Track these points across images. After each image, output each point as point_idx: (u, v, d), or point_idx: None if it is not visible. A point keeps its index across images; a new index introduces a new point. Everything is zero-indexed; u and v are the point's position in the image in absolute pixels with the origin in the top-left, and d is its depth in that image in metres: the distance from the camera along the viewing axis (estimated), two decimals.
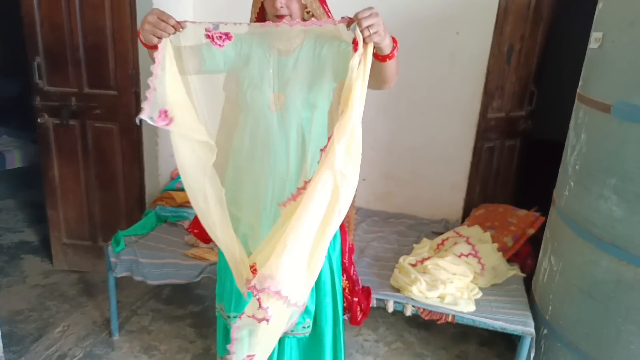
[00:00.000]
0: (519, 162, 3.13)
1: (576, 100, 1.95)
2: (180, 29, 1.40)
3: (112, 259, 2.33)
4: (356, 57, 1.28)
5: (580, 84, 1.94)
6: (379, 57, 1.37)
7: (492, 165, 2.99)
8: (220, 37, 1.50)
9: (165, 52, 1.38)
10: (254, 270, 1.46)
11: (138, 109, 2.74)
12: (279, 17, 1.55)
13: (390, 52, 1.37)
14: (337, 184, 1.32)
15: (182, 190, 2.77)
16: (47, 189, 2.92)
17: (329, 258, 1.77)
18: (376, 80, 1.45)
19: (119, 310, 2.57)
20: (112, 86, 2.71)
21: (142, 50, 2.65)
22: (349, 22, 1.29)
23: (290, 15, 1.56)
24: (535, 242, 2.46)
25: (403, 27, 2.66)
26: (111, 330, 2.47)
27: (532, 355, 1.91)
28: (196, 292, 2.86)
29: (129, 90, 2.71)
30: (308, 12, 1.60)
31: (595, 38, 1.78)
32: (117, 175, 2.86)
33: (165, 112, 1.40)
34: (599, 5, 1.80)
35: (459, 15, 2.62)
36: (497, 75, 2.75)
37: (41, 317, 2.61)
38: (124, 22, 2.61)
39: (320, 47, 1.64)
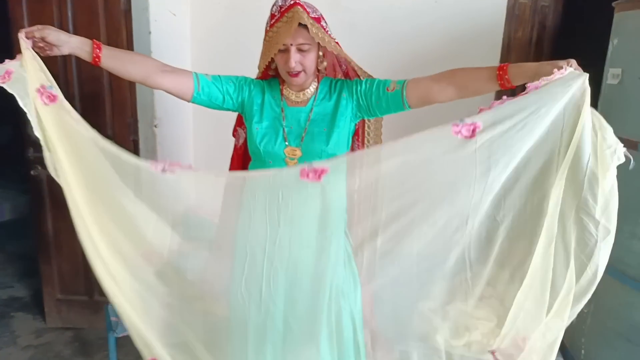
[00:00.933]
0: None
1: None
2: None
3: (113, 318, 2.19)
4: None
5: None
6: (507, 84, 1.34)
7: None
8: (50, 96, 1.41)
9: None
10: None
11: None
12: (293, 75, 1.50)
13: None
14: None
15: None
16: (40, 244, 2.78)
17: (350, 312, 1.66)
18: (468, 92, 1.44)
19: None
20: (110, 135, 2.61)
21: (140, 98, 2.58)
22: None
23: (304, 71, 1.50)
24: None
25: (409, 66, 2.65)
26: None
27: None
28: None
29: (127, 139, 2.63)
30: (322, 62, 1.57)
31: (613, 74, 1.76)
32: None
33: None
34: (614, 42, 1.79)
35: (464, 52, 2.62)
36: None
37: None
38: None
39: (337, 91, 1.59)
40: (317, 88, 1.59)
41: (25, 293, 3.34)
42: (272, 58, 1.53)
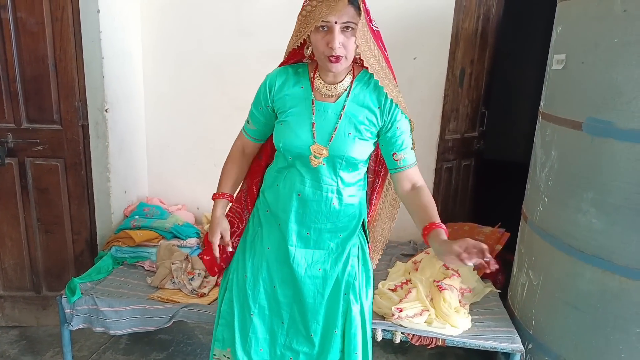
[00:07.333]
0: (474, 181, 3.23)
1: (540, 119, 2.04)
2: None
3: (67, 311, 2.09)
4: None
5: (543, 103, 2.03)
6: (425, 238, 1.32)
7: (451, 185, 3.06)
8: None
9: None
10: None
11: (86, 143, 2.58)
12: (333, 60, 1.26)
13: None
14: None
15: (140, 228, 2.58)
16: None
17: (361, 306, 1.53)
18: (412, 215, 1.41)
19: None
20: (56, 120, 2.49)
21: (89, 81, 2.46)
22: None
23: (346, 57, 1.28)
24: (499, 257, 2.52)
25: None
26: None
27: None
28: (158, 337, 2.64)
29: (74, 124, 2.50)
30: (357, 47, 1.31)
31: (557, 60, 1.88)
32: (62, 216, 2.60)
33: None
34: (558, 29, 1.91)
35: (415, 41, 2.69)
36: (452, 98, 2.84)
37: None
38: (68, 51, 2.42)
39: (370, 96, 1.39)
40: (352, 82, 1.38)
41: None
42: (306, 40, 1.33)
